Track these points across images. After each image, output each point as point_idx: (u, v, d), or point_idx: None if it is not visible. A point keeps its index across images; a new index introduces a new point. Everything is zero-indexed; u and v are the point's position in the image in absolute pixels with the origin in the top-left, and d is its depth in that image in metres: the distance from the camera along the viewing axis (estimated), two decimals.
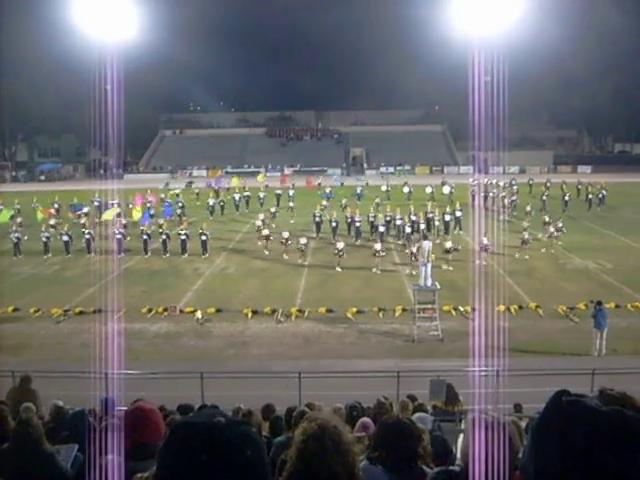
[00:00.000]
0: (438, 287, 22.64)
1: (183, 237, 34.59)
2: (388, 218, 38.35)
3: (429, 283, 22.71)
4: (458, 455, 8.06)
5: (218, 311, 24.79)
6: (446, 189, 51.96)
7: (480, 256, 30.13)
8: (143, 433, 2.87)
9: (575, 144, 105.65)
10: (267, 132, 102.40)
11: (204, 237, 34.27)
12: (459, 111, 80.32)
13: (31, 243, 36.32)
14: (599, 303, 20.37)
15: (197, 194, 55.43)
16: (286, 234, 33.61)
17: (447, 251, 30.41)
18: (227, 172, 78.15)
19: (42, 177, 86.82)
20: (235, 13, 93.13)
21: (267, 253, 34.59)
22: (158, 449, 1.63)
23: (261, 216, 39.03)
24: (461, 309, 24.05)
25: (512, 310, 23.69)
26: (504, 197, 47.54)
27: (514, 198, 47.82)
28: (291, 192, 50.35)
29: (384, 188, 54.47)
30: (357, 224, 37.49)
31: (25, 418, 5.58)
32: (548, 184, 51.78)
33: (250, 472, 1.56)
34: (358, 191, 51.57)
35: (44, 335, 23.13)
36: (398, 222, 37.58)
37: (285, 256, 33.28)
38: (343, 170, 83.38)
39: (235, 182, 57.72)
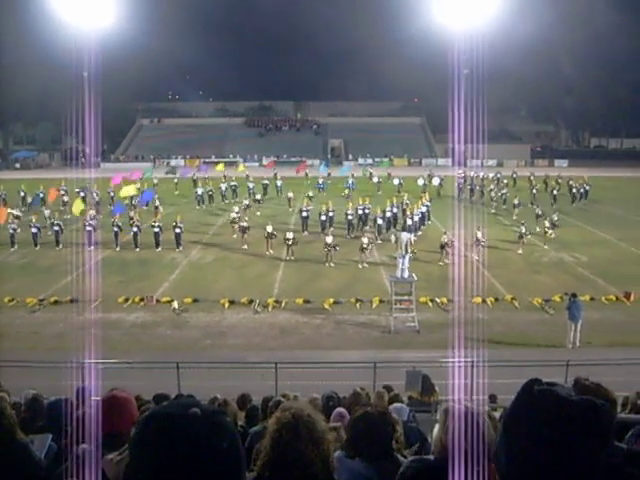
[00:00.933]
0: (415, 279, 22.75)
1: (156, 230, 33.26)
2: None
3: (406, 275, 22.81)
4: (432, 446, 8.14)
5: (195, 301, 24.73)
6: (435, 181, 52.02)
7: (475, 250, 30.08)
8: (117, 422, 2.87)
9: (552, 138, 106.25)
10: (246, 122, 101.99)
11: (178, 230, 33.31)
12: (438, 103, 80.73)
13: None
14: (574, 295, 20.59)
15: (176, 183, 55.23)
16: (270, 228, 32.47)
17: (442, 246, 30.16)
18: (205, 162, 77.71)
19: (17, 165, 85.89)
20: (215, 1, 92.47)
21: (245, 247, 33.55)
22: (130, 438, 1.61)
23: (235, 208, 38.55)
24: (437, 301, 24.18)
25: (488, 302, 23.87)
26: (491, 190, 47.76)
27: (504, 191, 47.49)
28: (279, 183, 50.14)
29: (375, 180, 54.37)
30: (367, 212, 37.33)
31: None
32: (532, 177, 51.88)
33: (226, 463, 1.55)
34: (350, 182, 51.21)
35: (19, 324, 22.94)
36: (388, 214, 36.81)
37: (269, 251, 32.32)
38: (321, 161, 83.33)
39: (220, 169, 57.69)
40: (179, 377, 15.17)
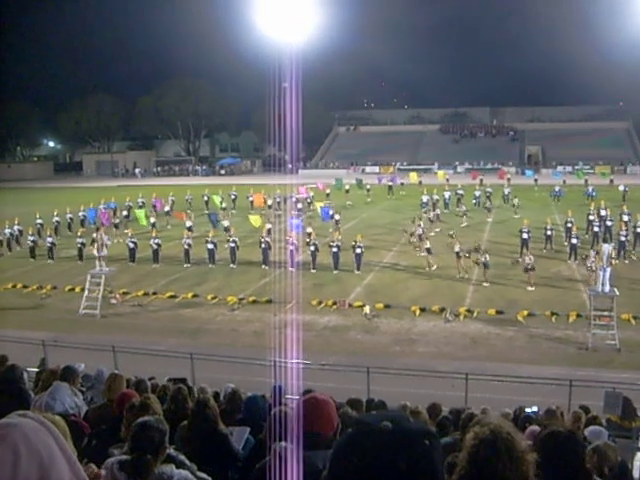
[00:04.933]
0: (617, 293, 21.39)
1: (335, 250, 30.58)
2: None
3: (607, 289, 21.50)
4: (635, 475, 7.59)
5: (386, 307, 24.89)
6: None
7: None
8: (317, 423, 2.93)
9: None
10: (441, 129, 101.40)
11: (358, 250, 30.22)
12: None
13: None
14: None
15: (368, 190, 55.84)
16: (457, 247, 29.11)
17: None
18: (399, 169, 78.20)
19: (222, 171, 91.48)
20: (410, 10, 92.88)
21: (431, 269, 30.36)
22: (334, 445, 1.65)
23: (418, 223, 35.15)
24: None
25: None
26: None
27: None
28: (506, 190, 47.90)
29: (590, 189, 48.94)
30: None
31: (202, 399, 5.89)
32: None
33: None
34: (557, 190, 49.02)
35: (220, 321, 24.38)
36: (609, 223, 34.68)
37: (461, 274, 29.09)
38: (517, 168, 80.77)
39: (413, 178, 57.76)
40: (369, 382, 15.31)
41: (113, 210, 45.99)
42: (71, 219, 43.33)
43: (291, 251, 30.62)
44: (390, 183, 57.76)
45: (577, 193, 50.52)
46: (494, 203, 46.21)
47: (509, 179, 56.03)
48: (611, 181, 53.95)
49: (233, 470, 5.55)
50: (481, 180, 53.46)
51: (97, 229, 34.02)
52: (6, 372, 7.79)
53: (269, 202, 46.42)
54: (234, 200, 48.50)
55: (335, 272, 30.29)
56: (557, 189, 49.48)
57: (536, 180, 56.96)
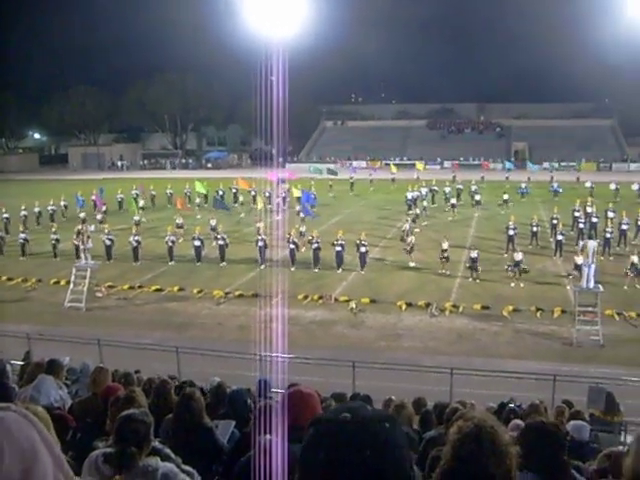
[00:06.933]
0: (601, 289, 21.54)
1: (315, 246, 30.01)
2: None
3: (591, 285, 21.65)
4: None
5: (372, 302, 24.95)
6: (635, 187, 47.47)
7: None
8: (301, 416, 2.94)
9: None
10: (428, 124, 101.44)
11: (363, 249, 29.52)
12: (631, 104, 75.99)
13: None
14: None
15: (352, 184, 56.09)
16: (445, 245, 29.28)
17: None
18: (387, 164, 78.21)
19: (209, 165, 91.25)
20: (398, 5, 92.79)
21: (412, 265, 30.37)
22: (302, 445, 1.66)
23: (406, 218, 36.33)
24: (625, 314, 22.74)
25: None
26: None
27: None
28: (473, 187, 47.50)
29: (613, 187, 48.09)
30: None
31: (188, 392, 5.88)
32: None
33: (366, 471, 1.55)
34: (522, 186, 49.48)
35: (205, 315, 24.36)
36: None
37: (444, 270, 29.12)
38: (502, 164, 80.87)
39: (393, 170, 58.62)
40: (354, 376, 15.35)
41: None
42: (53, 210, 43.22)
43: (291, 250, 30.36)
44: (371, 177, 58.74)
45: (543, 189, 51.31)
46: (461, 199, 46.62)
47: (482, 177, 56.13)
48: (577, 178, 54.74)
49: (218, 463, 5.55)
50: (454, 177, 53.63)
51: (83, 221, 33.81)
52: None
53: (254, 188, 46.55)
54: (222, 196, 48.37)
55: (316, 270, 29.91)
56: (523, 186, 49.78)
57: (507, 177, 57.33)
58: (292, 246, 30.46)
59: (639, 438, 2.46)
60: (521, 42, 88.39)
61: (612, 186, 47.97)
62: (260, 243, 30.68)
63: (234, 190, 49.23)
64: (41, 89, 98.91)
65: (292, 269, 29.85)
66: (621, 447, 8.05)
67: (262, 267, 29.98)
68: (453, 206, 43.29)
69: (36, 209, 42.29)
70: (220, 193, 47.88)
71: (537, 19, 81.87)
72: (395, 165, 65.95)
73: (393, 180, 57.59)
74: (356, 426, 1.58)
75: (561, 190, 48.84)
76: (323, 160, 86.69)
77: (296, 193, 44.08)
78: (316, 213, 39.97)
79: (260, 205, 40.19)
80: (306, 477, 1.60)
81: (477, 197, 45.07)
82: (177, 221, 36.97)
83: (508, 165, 63.54)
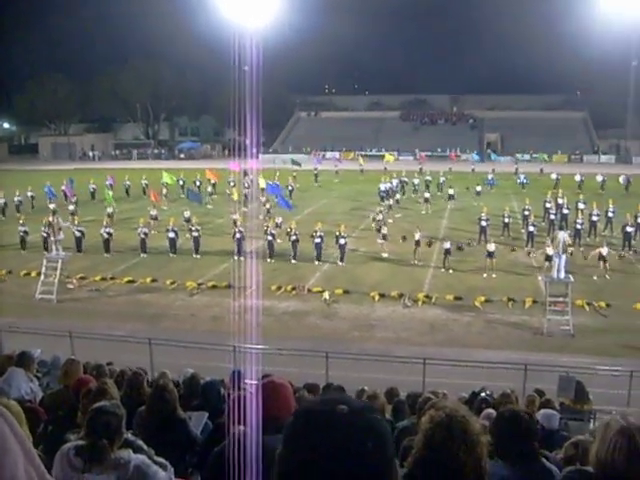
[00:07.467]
0: (571, 280, 21.80)
1: (294, 237, 29.95)
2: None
3: (562, 275, 21.90)
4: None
5: (345, 292, 25.00)
6: (622, 179, 47.58)
7: None
8: (275, 407, 2.95)
9: None
10: (401, 116, 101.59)
11: (342, 241, 29.49)
12: (602, 97, 76.71)
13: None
14: None
15: (316, 175, 56.14)
16: (418, 235, 29.57)
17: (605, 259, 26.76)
18: (361, 155, 78.34)
19: (182, 155, 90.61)
20: None
21: (385, 255, 30.65)
22: (284, 433, 1.64)
23: (379, 209, 36.62)
24: (595, 304, 23.06)
25: None
26: None
27: None
28: (442, 179, 48.33)
29: (578, 178, 48.41)
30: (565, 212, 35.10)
31: (162, 384, 5.87)
32: None
33: (371, 463, 1.54)
34: (489, 178, 49.92)
35: (178, 306, 24.24)
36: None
37: (416, 261, 29.49)
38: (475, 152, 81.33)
39: (361, 162, 59.21)
40: (327, 367, 15.39)
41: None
42: (20, 202, 42.70)
43: (269, 241, 30.33)
44: (337, 168, 59.20)
45: (510, 181, 51.93)
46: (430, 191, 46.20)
47: (450, 168, 55.98)
48: (541, 170, 55.53)
49: (191, 454, 5.56)
50: (420, 169, 53.94)
51: (53, 212, 33.28)
52: None
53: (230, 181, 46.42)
54: (199, 187, 48.04)
55: (293, 262, 29.84)
56: (490, 177, 50.30)
57: (473, 170, 57.72)
58: (270, 237, 30.43)
59: (604, 425, 2.51)
60: (495, 34, 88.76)
61: (577, 177, 48.56)
62: (238, 235, 30.49)
63: (199, 182, 49.07)
64: (11, 76, 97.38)
65: (271, 261, 29.81)
66: (588, 435, 8.18)
67: (241, 259, 29.44)
68: (426, 200, 43.16)
69: (1, 200, 41.80)
70: (197, 184, 47.74)
71: (511, 12, 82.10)
72: (363, 157, 66.39)
73: (362, 171, 57.95)
74: (355, 418, 1.57)
75: (527, 181, 49.91)
76: (299, 151, 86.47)
77: (262, 184, 43.99)
78: (293, 204, 39.80)
79: (236, 196, 40.13)
80: (297, 472, 1.57)
81: (450, 191, 45.04)
82: (151, 212, 36.64)
83: (475, 157, 63.93)
